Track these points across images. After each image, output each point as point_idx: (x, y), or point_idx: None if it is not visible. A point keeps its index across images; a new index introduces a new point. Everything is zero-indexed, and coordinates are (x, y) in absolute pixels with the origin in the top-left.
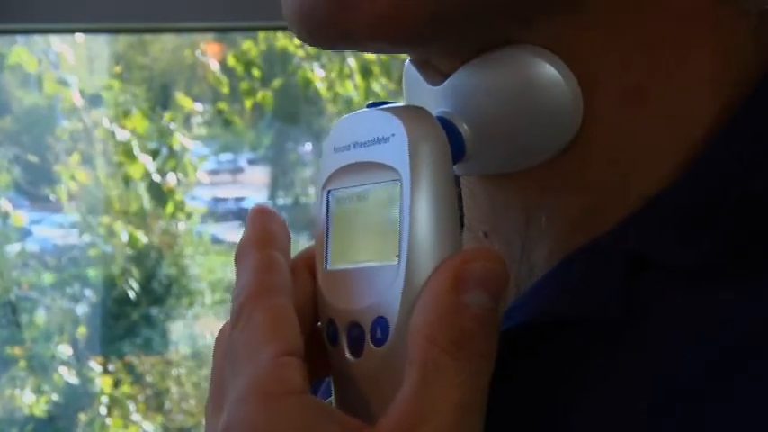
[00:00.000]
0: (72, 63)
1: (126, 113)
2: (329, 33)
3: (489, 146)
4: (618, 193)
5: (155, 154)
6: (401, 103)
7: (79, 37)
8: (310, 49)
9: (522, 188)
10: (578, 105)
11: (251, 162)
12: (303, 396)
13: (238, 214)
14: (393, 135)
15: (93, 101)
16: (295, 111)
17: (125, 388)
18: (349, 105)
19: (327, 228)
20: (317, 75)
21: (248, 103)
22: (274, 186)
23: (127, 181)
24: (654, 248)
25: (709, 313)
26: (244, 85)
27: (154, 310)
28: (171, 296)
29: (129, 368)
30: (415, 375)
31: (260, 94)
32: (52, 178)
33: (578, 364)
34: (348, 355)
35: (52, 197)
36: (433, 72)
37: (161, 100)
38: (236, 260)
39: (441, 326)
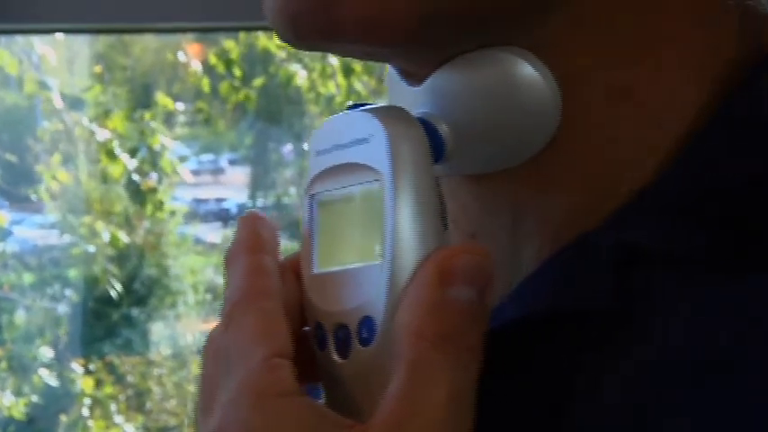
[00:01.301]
0: (53, 64)
1: (107, 114)
2: (313, 33)
3: (469, 146)
4: (605, 189)
5: (135, 154)
6: (381, 104)
7: (60, 37)
8: (292, 48)
9: (507, 188)
10: (557, 104)
11: (232, 162)
12: (296, 397)
13: (219, 215)
14: (372, 135)
15: (74, 101)
16: (276, 110)
17: (106, 389)
18: (331, 104)
19: (312, 232)
20: (299, 74)
21: (229, 103)
22: (255, 187)
23: (108, 181)
24: (643, 239)
25: (702, 305)
26: (225, 85)
27: (135, 311)
28: (152, 297)
29: (111, 369)
30: (403, 372)
31: (241, 94)
32: (33, 178)
33: (570, 359)
34: (336, 357)
35: (33, 197)
36: (413, 73)
37: (142, 100)
38: (225, 264)
39: (428, 321)
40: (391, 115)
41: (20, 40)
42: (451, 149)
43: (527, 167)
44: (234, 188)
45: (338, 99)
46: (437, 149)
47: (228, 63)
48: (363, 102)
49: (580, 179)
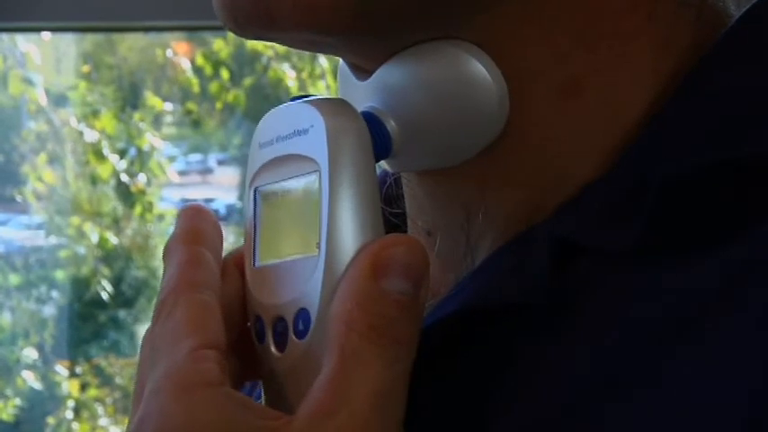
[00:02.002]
0: (39, 62)
1: (95, 113)
2: (251, 21)
3: (417, 142)
4: (555, 184)
5: (123, 154)
6: (324, 96)
7: (46, 36)
8: (281, 48)
9: (459, 184)
10: (504, 101)
11: (220, 163)
12: (219, 388)
13: None
14: (312, 126)
15: (61, 101)
16: (265, 111)
17: (92, 391)
18: None
19: (255, 225)
20: (288, 74)
21: (218, 103)
22: (245, 187)
23: (95, 181)
24: (581, 234)
25: (636, 298)
26: (214, 85)
27: (123, 313)
28: (140, 298)
29: (98, 371)
30: (332, 362)
31: (230, 94)
32: (19, 179)
33: (505, 354)
34: (274, 350)
35: (19, 198)
36: (361, 66)
37: (130, 100)
38: (163, 257)
39: (359, 312)
40: (331, 106)
41: (4, 38)
42: (399, 145)
43: (476, 164)
44: (222, 188)
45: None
46: (383, 145)
47: (217, 64)
48: (307, 94)
49: (528, 175)
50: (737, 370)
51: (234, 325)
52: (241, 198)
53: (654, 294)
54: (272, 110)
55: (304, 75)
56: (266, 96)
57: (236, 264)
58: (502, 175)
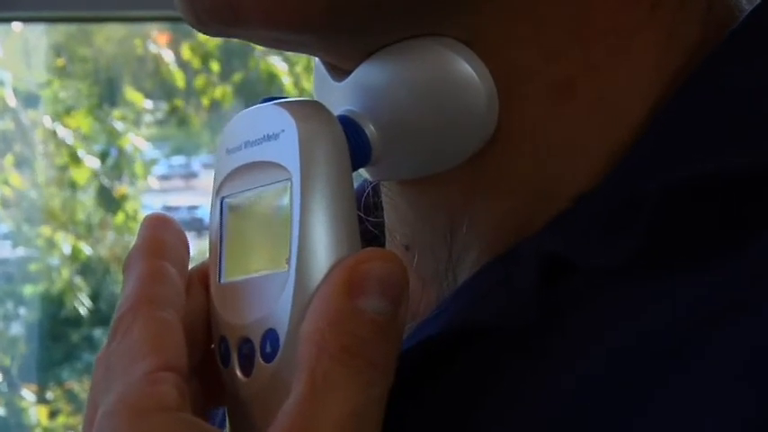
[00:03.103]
0: (6, 56)
1: (68, 111)
2: (213, 18)
3: (398, 148)
4: (545, 195)
5: (103, 156)
6: (296, 98)
7: (16, 27)
8: None
9: (442, 194)
10: (493, 103)
11: (207, 166)
12: (176, 414)
13: (192, 224)
14: (283, 131)
15: (31, 97)
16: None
17: (63, 419)
18: None
19: (221, 238)
20: (282, 69)
21: (205, 100)
22: None
23: (71, 187)
24: (573, 250)
25: (628, 318)
26: (200, 80)
27: (99, 332)
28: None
29: (70, 396)
30: (302, 385)
31: (218, 90)
32: None
33: (490, 378)
34: (239, 374)
35: None
36: (337, 66)
37: (108, 96)
38: (123, 270)
39: (331, 332)
40: (304, 109)
41: None
42: (378, 152)
43: (462, 171)
44: (208, 195)
45: None
46: (362, 151)
47: (205, 57)
48: (279, 96)
49: (518, 183)
50: (741, 383)
51: (197, 346)
52: None
53: (647, 311)
54: (241, 112)
55: (298, 68)
56: (257, 92)
57: (201, 279)
58: (490, 184)
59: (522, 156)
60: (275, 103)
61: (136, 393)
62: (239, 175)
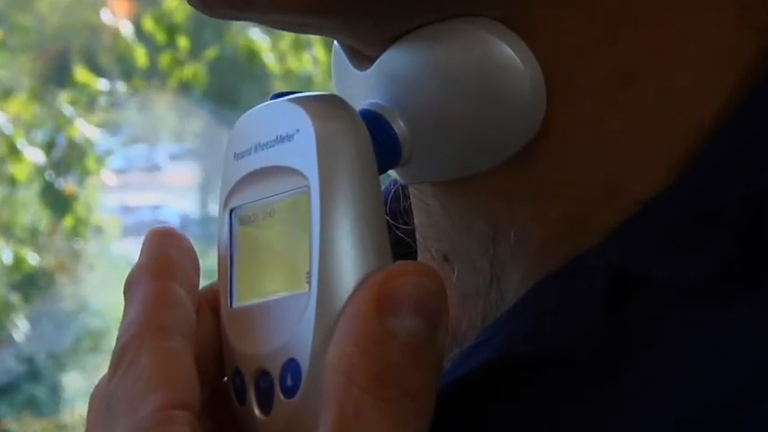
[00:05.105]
0: None
1: (6, 93)
2: (227, 0)
3: (431, 145)
4: (603, 198)
5: (47, 147)
6: (313, 92)
7: None
8: None
9: (481, 198)
10: (539, 93)
11: (173, 157)
12: None
13: None
14: (298, 131)
15: None
16: (234, 90)
17: None
18: (307, 86)
19: (232, 256)
20: (263, 44)
21: (171, 80)
22: (205, 190)
23: (9, 184)
24: (644, 266)
25: (713, 346)
26: (165, 57)
27: (42, 358)
28: (67, 338)
29: None
30: (330, 423)
31: (187, 69)
32: None
33: (552, 413)
34: (257, 412)
35: None
36: (360, 52)
37: (54, 75)
38: (125, 292)
39: (362, 359)
40: (322, 105)
41: None
42: (409, 151)
43: (504, 173)
44: (175, 191)
45: (318, 79)
46: (390, 151)
47: (171, 30)
48: (294, 91)
49: (570, 187)
50: None
51: (208, 380)
52: (203, 204)
53: (727, 342)
54: (250, 110)
55: (283, 44)
56: (234, 72)
57: (211, 304)
58: (538, 187)
59: (574, 154)
60: (288, 99)
61: None
62: (250, 183)
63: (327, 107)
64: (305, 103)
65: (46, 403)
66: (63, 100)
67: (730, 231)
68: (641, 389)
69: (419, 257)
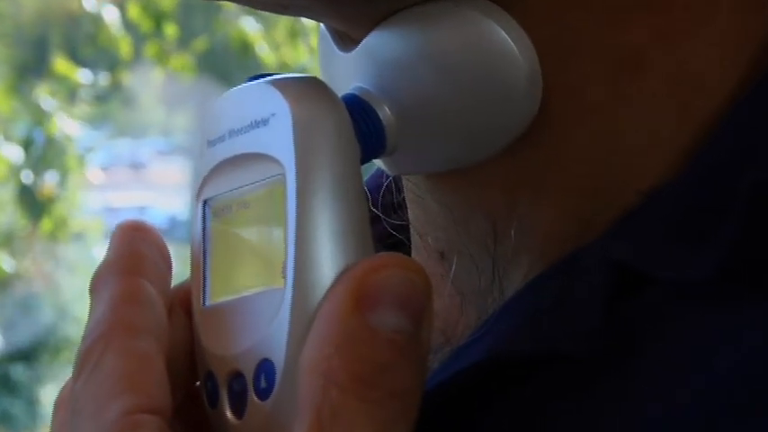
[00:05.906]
0: None
1: None
2: None
3: (419, 134)
4: (609, 191)
5: (24, 144)
6: (290, 74)
7: None
8: None
9: (480, 191)
10: (535, 78)
11: (160, 153)
12: None
13: None
14: (273, 115)
15: None
16: (224, 81)
17: None
18: None
19: (205, 251)
20: (256, 33)
21: (158, 72)
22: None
23: None
24: (646, 259)
25: (713, 346)
26: (153, 47)
27: (18, 370)
28: (44, 350)
29: None
30: (306, 427)
31: (175, 59)
32: None
33: (545, 414)
34: (230, 416)
35: None
36: (344, 33)
37: (32, 66)
38: (90, 291)
39: (340, 359)
40: (300, 88)
41: None
42: (395, 139)
43: (500, 164)
44: (162, 190)
45: (315, 71)
46: (374, 139)
47: (158, 18)
48: (269, 73)
49: (574, 178)
50: None
51: (181, 383)
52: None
53: (736, 341)
54: (223, 94)
55: (277, 34)
56: (225, 63)
57: (183, 303)
58: (538, 179)
59: (578, 144)
60: (265, 81)
61: None
62: (223, 171)
63: (306, 89)
64: (281, 85)
65: (22, 417)
66: (41, 92)
67: (738, 225)
68: (640, 388)
69: (413, 254)
